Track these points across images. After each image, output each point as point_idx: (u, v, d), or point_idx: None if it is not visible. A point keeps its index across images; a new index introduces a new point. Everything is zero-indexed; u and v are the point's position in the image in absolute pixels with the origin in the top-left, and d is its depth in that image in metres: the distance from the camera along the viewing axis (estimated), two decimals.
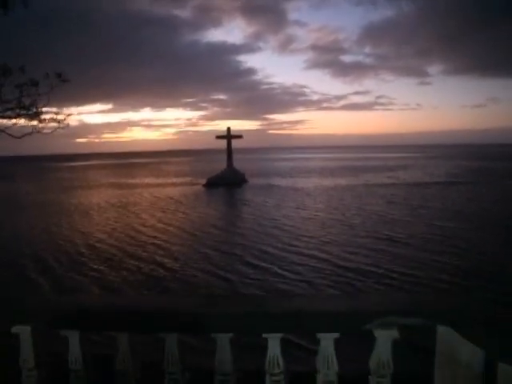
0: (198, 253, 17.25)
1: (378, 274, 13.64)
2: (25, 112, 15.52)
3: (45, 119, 16.33)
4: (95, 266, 15.55)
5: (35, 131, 16.20)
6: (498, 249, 16.70)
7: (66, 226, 24.52)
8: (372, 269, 14.28)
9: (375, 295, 10.20)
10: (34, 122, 16.20)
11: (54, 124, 18.13)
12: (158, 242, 19.44)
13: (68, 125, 17.89)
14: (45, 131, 17.62)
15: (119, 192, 43.66)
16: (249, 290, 12.46)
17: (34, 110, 15.48)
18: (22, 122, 16.38)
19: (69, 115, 17.33)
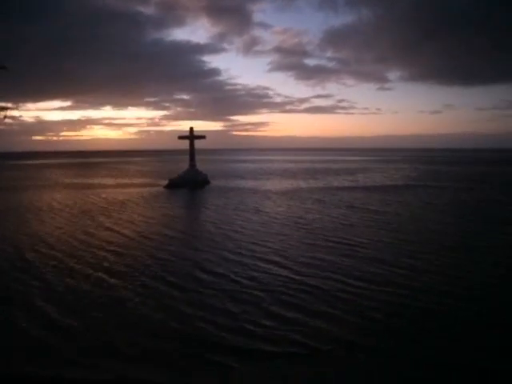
0: (152, 257, 16.33)
1: (332, 286, 13.10)
2: None
3: None
4: (19, 275, 14.27)
5: None
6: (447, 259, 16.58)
7: None
8: (329, 277, 13.75)
9: None
10: None
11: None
12: (100, 250, 18.18)
13: (3, 119, 16.39)
14: None
15: (72, 193, 41.66)
16: (190, 306, 11.61)
17: None
18: None
19: (4, 108, 15.85)
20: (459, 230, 22.04)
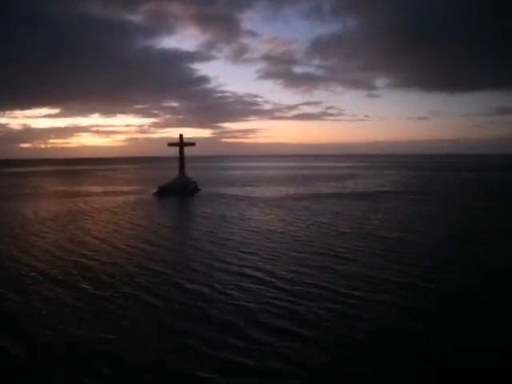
0: (136, 267, 16.01)
1: (321, 297, 12.81)
2: None
3: None
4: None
5: None
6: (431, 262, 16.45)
7: None
8: (315, 290, 13.45)
9: None
10: None
11: None
12: (83, 259, 17.73)
13: None
14: None
15: (56, 201, 40.94)
16: (175, 318, 11.24)
17: None
18: None
19: None
20: (449, 238, 21.97)
